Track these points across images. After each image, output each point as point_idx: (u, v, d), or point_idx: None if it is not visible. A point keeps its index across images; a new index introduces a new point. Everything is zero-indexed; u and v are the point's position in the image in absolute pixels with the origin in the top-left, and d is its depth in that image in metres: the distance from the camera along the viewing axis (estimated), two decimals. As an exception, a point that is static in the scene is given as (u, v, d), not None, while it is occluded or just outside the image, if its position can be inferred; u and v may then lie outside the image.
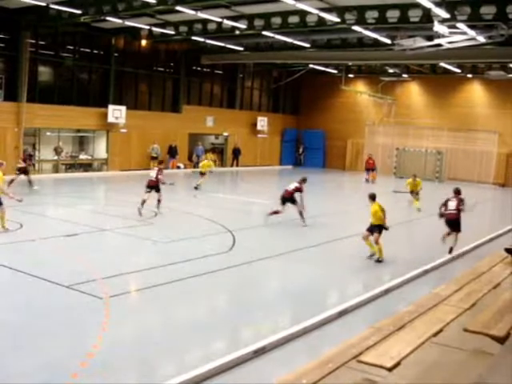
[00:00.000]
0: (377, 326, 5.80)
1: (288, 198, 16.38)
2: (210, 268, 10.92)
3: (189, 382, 6.02)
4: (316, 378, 4.38)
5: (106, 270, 10.27)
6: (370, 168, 31.64)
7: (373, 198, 12.77)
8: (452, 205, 13.55)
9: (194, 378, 6.08)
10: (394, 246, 15.05)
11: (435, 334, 5.26)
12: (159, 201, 17.24)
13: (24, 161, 21.43)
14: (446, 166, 35.62)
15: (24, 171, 21.02)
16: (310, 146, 40.97)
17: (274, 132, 39.78)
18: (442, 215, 13.86)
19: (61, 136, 28.42)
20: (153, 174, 17.72)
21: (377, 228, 12.38)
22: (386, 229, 12.52)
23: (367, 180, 31.20)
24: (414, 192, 22.03)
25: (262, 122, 38.19)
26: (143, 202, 16.62)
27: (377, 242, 12.37)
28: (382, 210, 12.45)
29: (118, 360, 6.73)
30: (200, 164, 25.12)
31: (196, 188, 23.83)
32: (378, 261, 12.36)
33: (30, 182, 21.03)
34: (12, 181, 19.93)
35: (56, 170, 28.05)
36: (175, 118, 32.78)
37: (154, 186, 17.18)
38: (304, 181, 16.81)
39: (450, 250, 13.32)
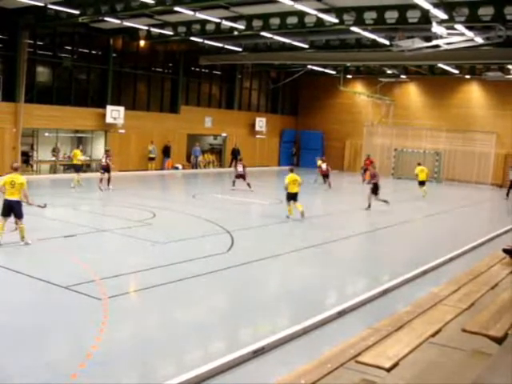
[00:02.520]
0: (375, 326, 5.81)
1: (326, 175, 23.93)
2: (208, 268, 10.93)
3: (188, 382, 6.02)
4: (315, 378, 4.39)
5: (105, 271, 10.27)
6: (367, 168, 31.62)
7: (291, 170, 17.76)
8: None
9: (194, 379, 6.08)
10: (393, 246, 15.10)
11: (433, 335, 5.27)
12: (249, 185, 23.75)
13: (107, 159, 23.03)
14: (444, 167, 35.71)
15: (107, 169, 22.41)
16: (308, 147, 40.93)
17: (273, 133, 39.82)
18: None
19: (59, 137, 28.40)
20: (240, 169, 24.35)
21: (296, 195, 17.01)
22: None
23: (364, 181, 31.17)
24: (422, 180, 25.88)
25: (261, 123, 38.21)
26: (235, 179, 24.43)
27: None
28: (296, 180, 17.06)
29: (117, 361, 6.74)
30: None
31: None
32: (287, 217, 17.07)
33: (108, 181, 22.32)
34: (101, 180, 22.22)
35: (54, 170, 28.03)
36: (173, 119, 32.79)
37: (242, 175, 24.14)
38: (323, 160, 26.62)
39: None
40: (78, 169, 23.01)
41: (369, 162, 31.71)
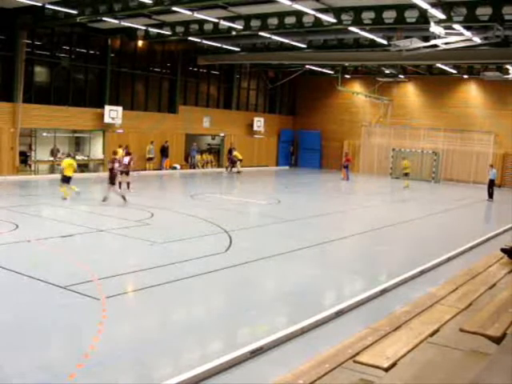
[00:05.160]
0: (373, 326, 5.81)
1: (125, 171, 21.07)
2: (206, 268, 10.92)
3: (186, 382, 6.02)
4: (313, 378, 4.39)
5: (103, 271, 10.25)
6: (346, 165, 33.22)
7: (68, 155, 20.51)
8: None
9: (191, 379, 6.08)
10: (390, 246, 15.10)
11: (431, 334, 5.27)
12: (128, 184, 21.82)
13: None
14: (442, 167, 35.73)
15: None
16: (306, 147, 41.03)
17: (271, 132, 39.82)
18: None
19: (57, 137, 28.36)
20: (125, 160, 21.54)
21: (70, 178, 18.67)
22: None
23: (343, 178, 32.67)
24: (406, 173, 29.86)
25: (259, 123, 38.21)
26: None
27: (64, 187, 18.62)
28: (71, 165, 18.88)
29: (115, 360, 6.73)
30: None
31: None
32: (64, 199, 18.50)
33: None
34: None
35: (52, 170, 27.99)
36: (172, 119, 32.76)
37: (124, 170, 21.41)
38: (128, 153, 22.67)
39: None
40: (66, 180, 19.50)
41: (346, 160, 33.68)
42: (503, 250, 9.57)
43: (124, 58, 30.72)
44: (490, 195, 26.35)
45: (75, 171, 19.39)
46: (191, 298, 9.40)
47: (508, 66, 29.92)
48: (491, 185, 26.44)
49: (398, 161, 35.06)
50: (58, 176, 26.81)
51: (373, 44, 25.75)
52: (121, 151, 24.79)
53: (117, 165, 19.58)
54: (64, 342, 7.23)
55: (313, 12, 20.59)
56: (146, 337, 7.58)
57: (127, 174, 21.69)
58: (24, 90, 25.44)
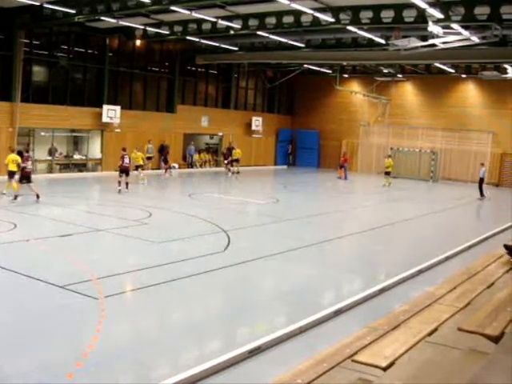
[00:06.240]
0: (372, 325, 5.82)
1: (125, 170, 21.29)
2: (205, 268, 10.92)
3: (184, 381, 6.02)
4: (311, 377, 4.39)
5: (101, 270, 10.25)
6: (342, 165, 33.27)
7: (12, 152, 19.05)
8: None
9: (190, 378, 6.08)
10: (388, 245, 15.12)
11: (430, 334, 5.28)
12: (127, 184, 21.59)
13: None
14: (440, 166, 35.76)
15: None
16: (304, 146, 41.04)
17: (269, 132, 39.81)
18: None
19: (55, 136, 28.33)
20: (126, 160, 21.63)
21: (14, 174, 18.12)
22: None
23: (339, 177, 32.82)
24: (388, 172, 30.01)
25: (257, 122, 38.21)
26: None
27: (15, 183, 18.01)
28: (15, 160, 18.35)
29: (113, 360, 6.73)
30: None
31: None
32: (2, 193, 18.30)
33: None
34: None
35: (50, 170, 27.96)
36: (170, 118, 32.74)
37: (125, 169, 21.58)
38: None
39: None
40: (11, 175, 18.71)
41: (344, 159, 33.62)
42: (506, 247, 9.53)
43: (122, 57, 30.69)
44: (481, 193, 26.35)
45: (19, 166, 18.18)
46: (189, 298, 9.40)
47: (506, 66, 29.94)
48: (481, 183, 26.52)
49: (395, 159, 35.07)
50: (56, 176, 26.97)
51: (371, 43, 25.74)
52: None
53: (29, 163, 18.86)
54: (63, 342, 7.22)
55: (311, 11, 20.58)
56: (145, 336, 7.58)
57: (127, 174, 21.57)
58: (22, 89, 25.42)
